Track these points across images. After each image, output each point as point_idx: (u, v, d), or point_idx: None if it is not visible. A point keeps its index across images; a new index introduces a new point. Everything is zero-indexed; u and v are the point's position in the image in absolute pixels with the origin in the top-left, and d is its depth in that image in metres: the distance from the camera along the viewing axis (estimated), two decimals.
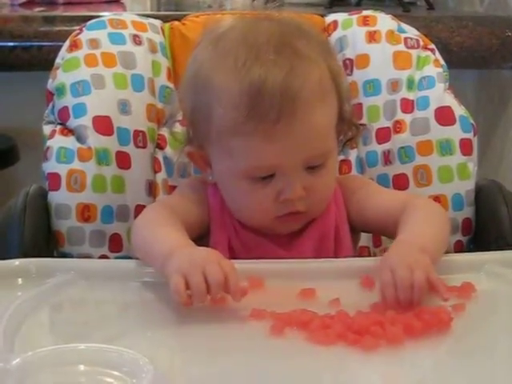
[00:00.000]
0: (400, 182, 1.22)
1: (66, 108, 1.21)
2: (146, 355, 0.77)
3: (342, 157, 1.24)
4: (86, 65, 1.22)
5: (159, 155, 1.25)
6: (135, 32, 1.27)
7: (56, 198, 1.18)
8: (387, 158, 1.24)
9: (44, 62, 1.50)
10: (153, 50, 1.27)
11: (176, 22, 1.32)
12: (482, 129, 1.40)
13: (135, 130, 1.21)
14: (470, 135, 1.23)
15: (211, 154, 1.07)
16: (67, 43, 1.26)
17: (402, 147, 1.23)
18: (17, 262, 1.03)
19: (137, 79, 1.23)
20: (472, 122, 1.24)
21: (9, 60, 1.81)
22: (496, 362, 0.85)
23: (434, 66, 1.27)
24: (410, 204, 1.06)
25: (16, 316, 0.88)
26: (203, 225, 1.09)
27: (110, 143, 1.19)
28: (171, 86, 1.27)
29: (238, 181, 1.03)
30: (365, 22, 1.30)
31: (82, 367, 0.78)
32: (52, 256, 1.17)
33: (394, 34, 1.29)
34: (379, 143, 1.25)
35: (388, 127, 1.24)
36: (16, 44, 1.81)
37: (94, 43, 1.24)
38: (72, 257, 1.17)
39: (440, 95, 1.24)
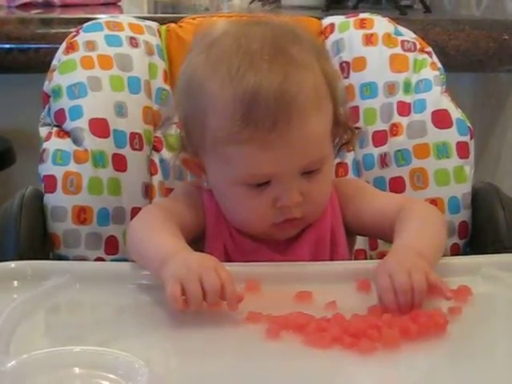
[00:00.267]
0: (396, 185, 1.22)
1: (62, 110, 1.21)
2: (142, 358, 0.77)
3: (338, 160, 1.24)
4: (82, 67, 1.22)
5: (155, 157, 1.25)
6: (132, 34, 1.26)
7: (52, 200, 1.17)
8: (384, 161, 1.24)
9: (41, 64, 1.49)
10: (149, 53, 1.26)
11: (173, 25, 1.32)
12: (479, 132, 1.40)
13: (131, 133, 1.21)
14: (466, 138, 1.23)
15: (206, 161, 1.06)
16: (64, 45, 1.26)
17: (399, 150, 1.23)
18: (13, 264, 1.03)
19: (133, 81, 1.23)
20: (469, 125, 1.24)
21: (6, 62, 1.80)
22: (492, 366, 0.84)
23: (430, 69, 1.26)
24: (406, 208, 1.06)
25: (11, 318, 0.88)
26: (199, 228, 1.09)
27: (107, 145, 1.19)
28: (168, 88, 1.26)
29: (234, 188, 1.03)
30: (362, 24, 1.30)
31: (77, 370, 0.78)
32: (48, 258, 1.17)
33: (390, 37, 1.29)
34: (376, 146, 1.24)
35: (385, 130, 1.24)
36: (13, 46, 1.80)
37: (90, 45, 1.24)
38: (68, 259, 1.17)
39: (437, 98, 1.24)
